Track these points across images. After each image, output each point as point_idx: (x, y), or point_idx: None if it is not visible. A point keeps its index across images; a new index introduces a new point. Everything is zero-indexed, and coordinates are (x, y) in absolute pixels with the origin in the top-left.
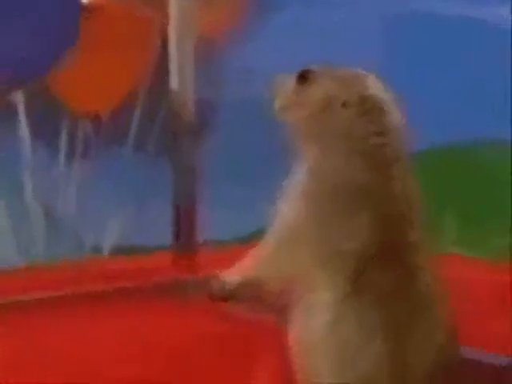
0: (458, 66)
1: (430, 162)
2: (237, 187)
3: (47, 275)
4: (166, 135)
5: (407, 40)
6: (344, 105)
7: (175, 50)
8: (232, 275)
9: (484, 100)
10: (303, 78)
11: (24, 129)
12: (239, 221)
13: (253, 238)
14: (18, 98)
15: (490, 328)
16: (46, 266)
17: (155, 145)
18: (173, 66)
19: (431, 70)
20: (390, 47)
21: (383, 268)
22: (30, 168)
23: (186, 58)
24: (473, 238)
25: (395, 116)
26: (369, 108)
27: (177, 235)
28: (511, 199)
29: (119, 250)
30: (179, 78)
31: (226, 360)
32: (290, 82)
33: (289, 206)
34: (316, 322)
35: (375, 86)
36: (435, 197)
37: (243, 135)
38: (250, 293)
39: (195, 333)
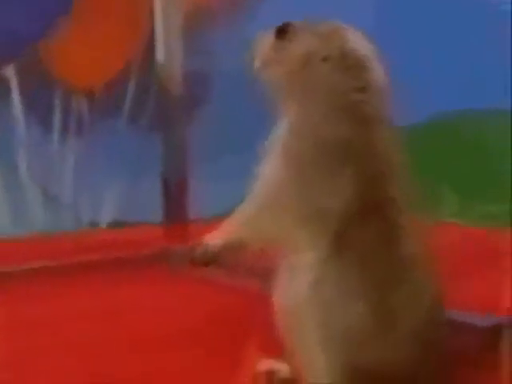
0: (452, 39)
1: (425, 135)
2: (231, 160)
3: (43, 246)
4: (156, 109)
5: (400, 13)
6: (325, 59)
7: (160, 22)
8: (215, 239)
9: (478, 70)
10: (282, 32)
11: (17, 106)
12: (232, 193)
13: None
14: (10, 73)
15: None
16: (42, 237)
17: (149, 118)
18: (158, 39)
19: (426, 43)
20: (383, 21)
21: (365, 226)
22: (24, 144)
23: (172, 30)
24: (468, 207)
25: (377, 72)
26: (350, 63)
27: (166, 207)
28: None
29: (114, 223)
30: (165, 51)
31: (213, 326)
32: (268, 37)
33: (269, 164)
34: (299, 283)
35: (357, 41)
36: (433, 168)
37: (238, 108)
38: (232, 256)
39: (184, 302)
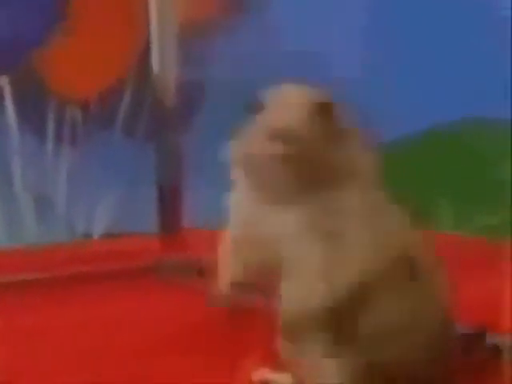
0: (451, 45)
1: (424, 144)
2: (226, 170)
3: (37, 257)
4: (151, 118)
5: (399, 21)
6: None
7: (156, 32)
8: (223, 281)
9: (478, 79)
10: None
11: (11, 116)
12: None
13: None
14: (4, 82)
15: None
16: (36, 248)
17: (144, 129)
18: (154, 49)
19: (424, 50)
20: (382, 29)
21: None
22: (18, 155)
23: (168, 41)
24: (467, 218)
25: None
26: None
27: (161, 217)
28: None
29: (109, 233)
30: (160, 61)
31: (208, 336)
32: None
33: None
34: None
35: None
36: (431, 179)
37: (232, 118)
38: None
39: (179, 312)
